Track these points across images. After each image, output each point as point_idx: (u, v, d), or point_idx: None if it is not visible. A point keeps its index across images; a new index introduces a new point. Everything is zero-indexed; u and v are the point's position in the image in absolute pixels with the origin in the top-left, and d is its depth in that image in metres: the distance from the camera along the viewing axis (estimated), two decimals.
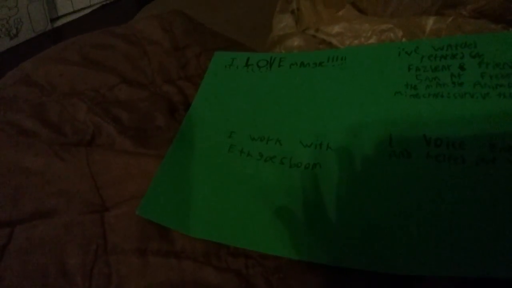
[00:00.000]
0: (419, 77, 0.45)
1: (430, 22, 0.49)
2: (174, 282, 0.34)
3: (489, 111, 0.41)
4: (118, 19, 0.75)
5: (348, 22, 0.52)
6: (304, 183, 0.40)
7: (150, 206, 0.40)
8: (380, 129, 0.42)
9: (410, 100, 0.44)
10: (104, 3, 1.10)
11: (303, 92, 0.49)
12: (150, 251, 0.36)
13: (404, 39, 0.49)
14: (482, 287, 0.33)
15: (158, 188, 0.42)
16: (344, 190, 0.39)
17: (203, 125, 0.48)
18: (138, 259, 0.36)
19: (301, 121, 0.46)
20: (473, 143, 0.38)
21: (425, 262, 0.33)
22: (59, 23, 1.03)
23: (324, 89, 0.48)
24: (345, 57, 0.50)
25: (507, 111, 0.40)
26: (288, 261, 0.35)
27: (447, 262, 0.33)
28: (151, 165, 0.43)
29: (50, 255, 0.34)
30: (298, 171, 0.42)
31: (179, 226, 0.39)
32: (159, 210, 0.40)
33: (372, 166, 0.40)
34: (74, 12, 1.06)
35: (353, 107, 0.45)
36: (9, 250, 0.36)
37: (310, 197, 0.39)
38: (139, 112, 0.49)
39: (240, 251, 0.37)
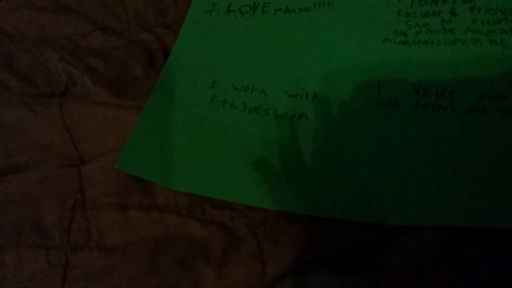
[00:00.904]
0: (408, 23, 0.43)
1: None
2: (156, 236, 0.33)
3: (480, 58, 0.39)
4: None
5: None
6: (290, 134, 0.39)
7: (129, 159, 0.38)
8: (368, 77, 0.41)
9: (399, 47, 0.42)
10: None
11: (289, 39, 0.46)
12: (131, 205, 0.35)
13: None
14: (468, 237, 0.32)
15: (137, 140, 0.40)
16: (331, 140, 0.38)
17: (184, 74, 0.46)
18: (119, 213, 0.34)
19: (287, 70, 0.44)
20: (463, 92, 0.37)
21: (412, 212, 0.33)
22: None
23: (310, 36, 0.46)
24: (333, 2, 0.48)
25: (498, 58, 0.39)
26: (274, 213, 0.35)
27: (434, 211, 0.33)
28: (129, 117, 0.41)
29: (25, 211, 0.33)
30: (284, 122, 0.40)
31: (160, 179, 0.37)
32: (139, 163, 0.38)
33: (360, 115, 0.39)
34: None
35: (341, 55, 0.43)
36: None
37: (295, 148, 0.38)
38: (115, 61, 0.47)
39: (224, 204, 0.36)
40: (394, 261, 0.33)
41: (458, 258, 0.32)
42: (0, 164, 0.36)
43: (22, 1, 0.50)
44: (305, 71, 0.44)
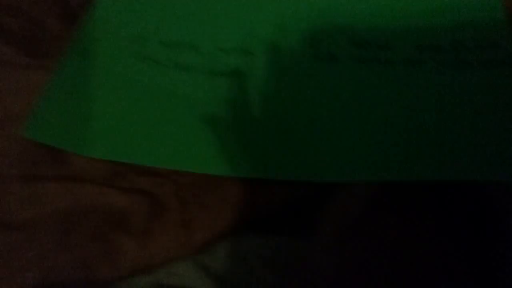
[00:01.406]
0: None
1: None
2: (70, 209, 0.30)
3: (417, 5, 0.37)
4: None
5: None
6: (227, 92, 0.36)
7: (38, 125, 0.35)
8: (305, 30, 0.38)
9: None
10: None
11: None
12: (40, 176, 0.32)
13: None
14: (401, 193, 0.31)
15: (47, 103, 0.36)
16: (268, 99, 0.36)
17: (105, 29, 0.41)
18: (26, 186, 0.31)
19: (220, 23, 0.41)
20: (400, 43, 0.36)
21: (346, 168, 0.31)
22: None
23: None
24: None
25: (436, 5, 0.37)
26: (202, 177, 0.32)
27: (368, 166, 0.31)
28: (42, 78, 0.37)
29: None
30: (217, 79, 0.37)
31: (75, 147, 0.34)
32: (50, 129, 0.34)
33: (297, 70, 0.37)
34: None
35: (276, 6, 0.40)
36: None
37: (232, 108, 0.35)
38: (26, 17, 0.42)
39: (149, 170, 0.33)
40: (327, 219, 0.31)
41: (391, 213, 0.31)
42: None
43: None
44: (240, 23, 0.41)
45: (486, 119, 0.31)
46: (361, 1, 0.39)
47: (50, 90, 0.36)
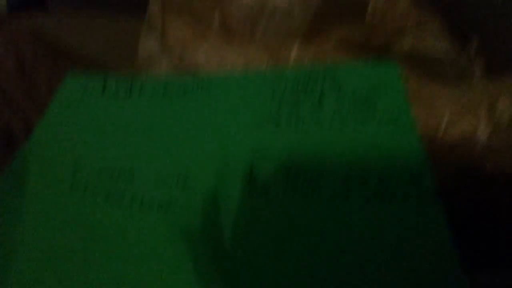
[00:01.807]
0: (281, 107, 0.44)
1: (294, 50, 0.49)
2: None
3: (345, 143, 0.40)
4: None
5: (215, 47, 0.49)
6: (156, 225, 0.36)
7: None
8: (241, 163, 0.40)
9: (271, 132, 0.42)
10: None
11: (163, 122, 0.45)
12: None
13: (268, 67, 0.48)
14: None
15: None
16: (200, 231, 0.36)
17: (41, 160, 0.41)
18: None
19: (159, 155, 0.42)
20: (328, 177, 0.38)
21: None
22: None
23: (186, 119, 0.45)
24: (210, 85, 0.47)
25: (361, 143, 0.40)
26: None
27: None
28: None
29: None
30: (150, 212, 0.37)
31: None
32: None
33: (231, 203, 0.38)
34: None
35: (215, 139, 0.43)
36: None
37: (160, 243, 0.35)
38: None
39: None
40: None
41: None
42: None
43: None
44: (179, 156, 0.42)
45: (409, 248, 0.33)
46: (296, 136, 0.41)
47: None
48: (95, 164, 0.41)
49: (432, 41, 0.53)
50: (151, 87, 0.48)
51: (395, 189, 0.36)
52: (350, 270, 0.33)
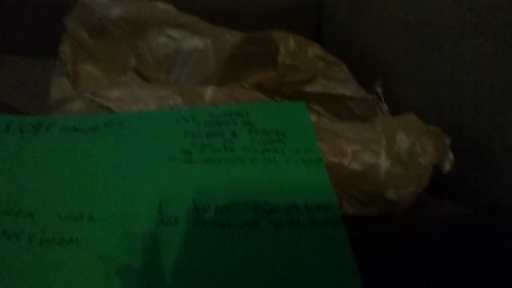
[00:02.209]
0: (194, 142, 0.44)
1: (208, 92, 0.50)
2: None
3: (255, 175, 0.41)
4: None
5: (128, 87, 0.50)
6: (55, 261, 0.34)
7: None
8: (151, 197, 0.39)
9: (183, 166, 0.42)
10: None
11: (71, 159, 0.43)
12: None
13: (183, 106, 0.48)
14: None
15: None
16: (102, 266, 0.34)
17: None
18: None
19: (64, 191, 0.40)
20: (239, 207, 0.38)
21: None
22: None
23: (95, 156, 0.44)
24: (123, 122, 0.47)
25: (271, 175, 0.41)
26: None
27: None
28: None
29: None
30: (49, 248, 0.35)
31: None
32: None
33: (138, 235, 0.36)
34: None
35: (125, 175, 0.42)
36: None
37: (58, 277, 0.32)
38: None
39: None
40: None
41: None
42: None
43: None
44: (85, 192, 0.41)
45: (315, 270, 0.34)
46: (208, 169, 0.41)
47: None
48: None
49: (339, 84, 0.56)
50: (60, 124, 0.47)
51: (302, 216, 0.37)
52: None
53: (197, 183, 0.40)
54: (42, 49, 0.61)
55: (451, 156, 0.43)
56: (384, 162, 0.42)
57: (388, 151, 0.43)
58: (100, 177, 0.41)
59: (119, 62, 0.54)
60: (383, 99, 0.52)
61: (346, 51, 0.63)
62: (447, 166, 0.43)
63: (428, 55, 0.50)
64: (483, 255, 0.36)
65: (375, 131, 0.45)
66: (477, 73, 0.44)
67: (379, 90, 0.53)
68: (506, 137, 0.42)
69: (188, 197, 0.39)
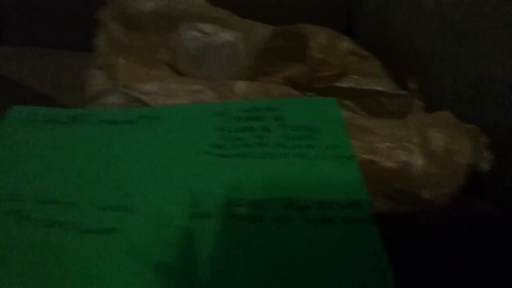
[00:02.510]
0: (226, 137, 0.45)
1: (240, 86, 0.50)
2: None
3: (287, 170, 0.41)
4: None
5: (162, 81, 0.50)
6: (96, 249, 0.35)
7: None
8: (184, 189, 0.40)
9: (215, 159, 0.43)
10: None
11: (108, 151, 0.44)
12: None
13: (215, 101, 0.49)
14: None
15: None
16: (138, 254, 0.35)
17: None
18: None
19: (102, 182, 0.41)
20: (271, 202, 0.38)
21: None
22: None
23: (131, 148, 0.45)
24: (157, 116, 0.48)
25: (302, 171, 0.41)
26: None
27: None
28: None
29: None
30: (90, 237, 0.36)
31: None
32: None
33: (173, 228, 0.37)
34: None
35: (160, 167, 0.42)
36: None
37: (98, 265, 0.34)
38: None
39: None
40: None
41: None
42: None
43: None
44: (123, 183, 0.42)
45: (347, 268, 0.34)
46: (239, 164, 0.42)
47: None
48: (35, 193, 0.40)
49: (372, 80, 0.56)
50: (98, 117, 0.48)
51: (335, 213, 0.37)
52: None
53: (229, 178, 0.41)
54: (80, 43, 0.62)
55: (488, 155, 0.42)
56: (418, 160, 0.41)
57: (422, 149, 0.42)
58: (136, 169, 0.42)
59: (151, 56, 0.55)
60: (417, 95, 0.51)
61: (378, 45, 0.62)
62: (484, 166, 0.42)
63: (465, 50, 0.48)
64: None
65: (409, 128, 0.44)
66: None
67: (413, 86, 0.51)
68: None
69: (220, 191, 0.39)
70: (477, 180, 0.40)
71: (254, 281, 0.34)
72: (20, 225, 0.37)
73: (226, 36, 0.55)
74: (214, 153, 0.43)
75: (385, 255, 0.34)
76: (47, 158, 0.44)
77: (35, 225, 0.38)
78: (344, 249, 0.35)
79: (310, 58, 0.52)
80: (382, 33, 0.64)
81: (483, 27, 0.46)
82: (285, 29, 0.53)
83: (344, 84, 0.55)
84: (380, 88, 0.54)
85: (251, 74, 0.53)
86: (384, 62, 0.56)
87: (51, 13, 0.74)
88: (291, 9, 0.76)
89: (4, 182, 0.41)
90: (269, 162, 0.42)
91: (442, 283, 0.36)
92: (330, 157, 0.42)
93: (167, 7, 0.54)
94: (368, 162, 0.42)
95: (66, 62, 0.67)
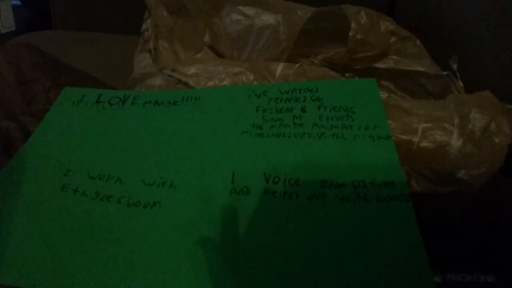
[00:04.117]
0: (265, 117, 0.46)
1: (279, 68, 0.51)
2: None
3: (323, 150, 0.42)
4: None
5: (204, 63, 0.52)
6: (141, 222, 0.38)
7: None
8: (225, 166, 0.42)
9: (255, 139, 0.44)
10: None
11: (153, 130, 0.47)
12: None
13: (255, 82, 0.50)
14: None
15: None
16: (181, 228, 0.37)
17: (36, 162, 0.44)
18: None
19: (147, 159, 0.44)
20: (306, 180, 0.39)
21: None
22: None
23: (175, 128, 0.47)
24: (199, 97, 0.50)
25: (338, 150, 0.42)
26: None
27: None
28: None
29: None
30: (136, 211, 0.39)
31: None
32: None
33: (213, 203, 0.39)
34: None
35: (201, 146, 0.45)
36: None
37: (143, 237, 0.37)
38: None
39: None
40: None
41: None
42: None
43: None
44: (166, 160, 0.44)
45: (381, 246, 0.35)
46: (277, 143, 0.43)
47: None
48: (86, 169, 0.43)
49: (412, 60, 0.55)
50: (144, 98, 0.51)
51: (369, 191, 0.38)
52: (327, 264, 0.34)
53: (268, 156, 0.42)
54: (128, 27, 0.65)
55: None
56: (456, 141, 0.41)
57: (460, 130, 0.42)
58: (179, 147, 0.45)
59: (195, 39, 0.57)
60: (458, 75, 0.51)
61: (420, 25, 0.61)
62: None
63: (510, 28, 0.47)
64: None
65: (448, 109, 0.44)
66: None
67: (454, 66, 0.51)
68: None
69: (259, 169, 0.41)
70: None
71: (290, 256, 0.35)
72: (72, 198, 0.41)
73: (267, 18, 0.56)
74: (253, 133, 0.45)
75: (419, 233, 0.34)
76: (96, 137, 0.47)
77: (85, 198, 0.41)
78: (378, 227, 0.36)
79: (351, 39, 0.52)
80: (424, 12, 0.63)
81: None
82: (326, 10, 0.53)
83: (383, 65, 0.55)
84: (420, 69, 0.54)
85: (291, 56, 0.54)
86: (426, 42, 0.55)
87: None
88: None
89: (59, 159, 0.44)
90: (306, 142, 0.43)
91: (477, 262, 0.36)
92: (366, 137, 0.43)
93: None
94: (405, 142, 0.43)
95: (115, 46, 0.70)
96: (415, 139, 0.42)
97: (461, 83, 0.50)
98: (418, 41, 0.55)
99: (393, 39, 0.55)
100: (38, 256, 0.36)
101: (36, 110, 0.51)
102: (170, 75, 0.52)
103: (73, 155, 0.44)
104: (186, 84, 0.52)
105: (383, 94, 0.53)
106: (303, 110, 0.46)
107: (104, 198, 0.40)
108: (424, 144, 0.42)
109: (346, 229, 0.36)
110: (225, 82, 0.50)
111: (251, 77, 0.50)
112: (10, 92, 0.51)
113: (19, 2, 1.11)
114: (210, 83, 0.51)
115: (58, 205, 0.39)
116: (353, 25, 0.52)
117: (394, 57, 0.55)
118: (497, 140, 0.40)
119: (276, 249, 0.36)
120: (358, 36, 0.53)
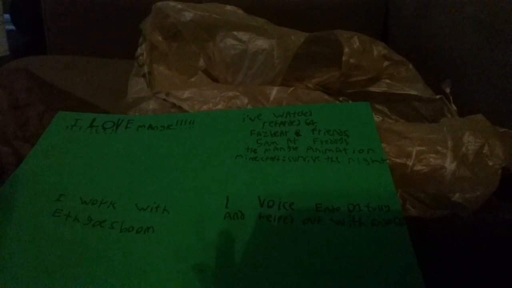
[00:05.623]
0: (259, 141, 0.46)
1: (273, 92, 0.52)
2: None
3: (318, 173, 0.42)
4: None
5: (198, 87, 0.52)
6: (134, 248, 0.37)
7: None
8: (219, 191, 0.42)
9: (249, 162, 0.44)
10: None
11: (147, 154, 0.47)
12: None
13: (249, 106, 0.50)
14: None
15: None
16: (174, 253, 0.37)
17: (28, 187, 0.43)
18: None
19: (141, 183, 0.44)
20: (301, 204, 0.39)
21: None
22: None
23: (169, 152, 0.47)
24: (193, 121, 0.50)
25: (332, 173, 0.42)
26: None
27: None
28: None
29: None
30: (129, 236, 0.39)
31: None
32: None
33: (207, 228, 0.38)
34: None
35: (195, 170, 0.44)
36: None
37: (136, 263, 0.36)
38: None
39: None
40: None
41: None
42: None
43: None
44: (160, 184, 0.44)
45: (376, 269, 0.34)
46: (272, 167, 0.43)
47: None
48: (79, 194, 0.43)
49: (405, 84, 0.56)
50: (138, 122, 0.51)
51: (364, 215, 0.38)
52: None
53: (262, 180, 0.42)
54: (122, 51, 0.66)
55: None
56: (450, 164, 0.41)
57: (454, 153, 0.42)
58: (173, 171, 0.45)
59: (189, 63, 0.57)
60: (451, 99, 0.51)
61: (413, 49, 0.62)
62: None
63: (501, 54, 0.48)
64: None
65: (441, 132, 0.44)
66: None
67: (447, 90, 0.51)
68: None
69: (253, 193, 0.41)
70: (510, 183, 0.40)
71: (285, 280, 0.35)
72: (65, 224, 0.40)
73: (261, 43, 0.57)
74: (247, 156, 0.45)
75: (415, 257, 0.34)
76: (89, 161, 0.47)
77: (77, 223, 0.40)
78: (373, 250, 0.35)
79: (344, 64, 0.53)
80: (417, 37, 0.64)
81: None
82: (319, 35, 0.54)
83: (377, 88, 0.55)
84: (413, 93, 0.54)
85: (285, 80, 0.55)
86: (419, 67, 0.56)
87: (95, 23, 0.79)
88: (327, 14, 0.77)
89: (51, 184, 0.44)
90: (300, 165, 0.43)
91: (474, 287, 0.36)
92: (361, 161, 0.43)
93: (205, 17, 0.57)
94: (400, 165, 0.43)
95: (109, 71, 0.71)
96: (410, 163, 0.42)
97: (454, 107, 0.51)
98: (411, 65, 0.56)
99: (386, 63, 0.56)
100: (30, 282, 0.35)
101: (29, 134, 0.51)
102: (164, 99, 0.52)
103: (66, 179, 0.44)
104: (180, 108, 0.52)
105: (377, 117, 0.53)
106: (297, 133, 0.46)
107: (96, 224, 0.40)
108: (418, 167, 0.42)
109: (341, 253, 0.36)
110: (219, 106, 0.51)
111: (245, 101, 0.51)
112: (3, 116, 0.50)
113: (13, 28, 1.12)
114: (205, 107, 0.51)
115: (50, 231, 0.39)
116: (346, 49, 0.53)
117: (387, 81, 0.56)
118: (490, 163, 0.40)
119: (271, 274, 0.35)
120: (351, 61, 0.53)
